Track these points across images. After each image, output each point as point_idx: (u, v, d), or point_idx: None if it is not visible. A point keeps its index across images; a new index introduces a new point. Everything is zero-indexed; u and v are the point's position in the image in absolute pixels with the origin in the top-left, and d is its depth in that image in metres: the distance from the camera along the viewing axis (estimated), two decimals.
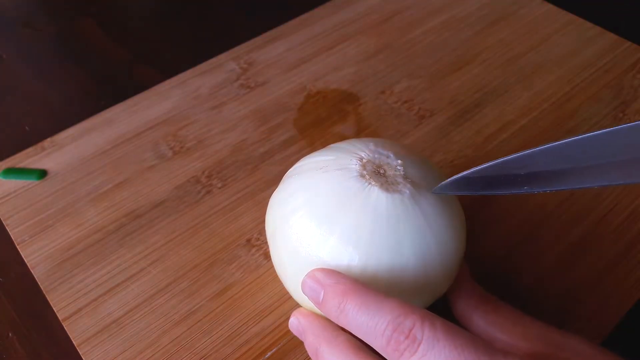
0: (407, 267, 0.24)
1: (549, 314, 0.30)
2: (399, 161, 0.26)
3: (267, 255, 0.33)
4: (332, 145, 0.28)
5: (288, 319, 0.30)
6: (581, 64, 0.44)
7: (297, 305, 0.31)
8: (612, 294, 0.31)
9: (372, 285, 0.23)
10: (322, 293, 0.23)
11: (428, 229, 0.24)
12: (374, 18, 0.49)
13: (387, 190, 0.24)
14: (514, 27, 0.48)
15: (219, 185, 0.37)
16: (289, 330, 0.30)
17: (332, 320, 0.23)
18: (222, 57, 0.46)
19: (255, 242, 0.34)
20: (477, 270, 0.32)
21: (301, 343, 0.29)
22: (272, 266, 0.32)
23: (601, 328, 0.30)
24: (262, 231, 0.34)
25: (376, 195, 0.24)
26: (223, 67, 0.45)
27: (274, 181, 0.37)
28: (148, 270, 0.32)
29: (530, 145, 0.38)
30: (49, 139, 0.40)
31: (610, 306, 0.31)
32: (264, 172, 0.37)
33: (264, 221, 0.34)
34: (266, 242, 0.33)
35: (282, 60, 0.45)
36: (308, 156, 0.28)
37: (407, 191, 0.24)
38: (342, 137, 0.39)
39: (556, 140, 0.22)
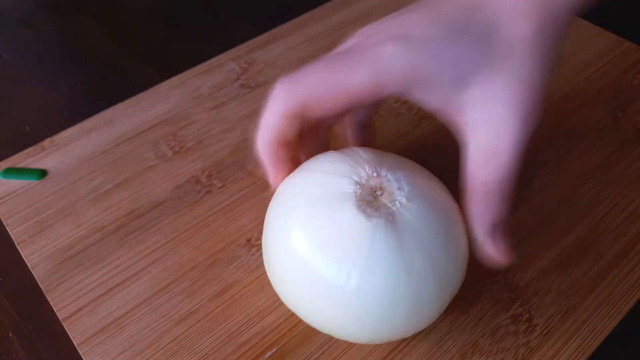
0: (399, 296, 0.24)
1: (548, 314, 0.30)
2: (395, 182, 0.25)
3: None
4: (332, 154, 0.27)
5: (288, 319, 0.30)
6: (581, 64, 0.44)
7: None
8: (612, 293, 0.31)
9: (366, 308, 0.24)
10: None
11: (403, 266, 0.24)
12: (374, 18, 0.48)
13: (374, 219, 0.24)
14: None
15: (219, 185, 0.37)
16: (289, 330, 0.30)
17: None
18: (222, 57, 0.46)
19: (255, 242, 0.34)
20: (477, 270, 0.32)
21: (301, 343, 0.29)
22: None
23: (601, 328, 0.30)
24: (262, 231, 0.34)
25: (367, 228, 0.24)
26: (223, 67, 0.45)
27: None
28: (148, 270, 0.32)
29: (530, 145, 0.38)
30: (49, 139, 0.40)
31: (610, 306, 0.31)
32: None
33: (263, 221, 0.34)
34: None
35: (282, 60, 0.45)
36: (307, 165, 0.27)
37: (396, 220, 0.24)
38: (342, 137, 0.39)
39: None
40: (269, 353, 0.29)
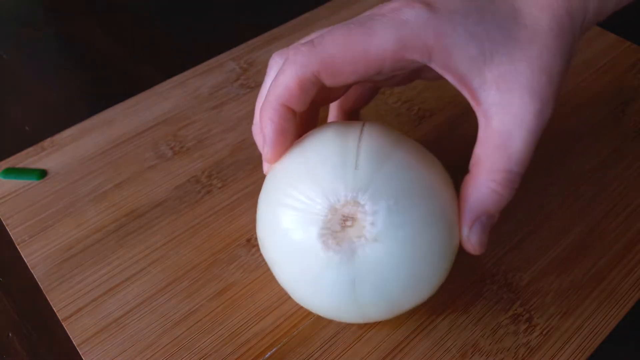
0: (369, 313, 0.26)
1: (548, 314, 0.30)
2: (370, 216, 0.23)
3: None
4: (330, 141, 0.26)
5: (288, 319, 0.30)
6: (581, 64, 0.44)
7: (297, 307, 0.31)
8: (612, 293, 0.31)
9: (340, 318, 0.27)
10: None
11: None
12: None
13: (330, 252, 0.23)
14: None
15: (219, 185, 0.37)
16: (289, 330, 0.30)
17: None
18: (222, 57, 0.46)
19: (255, 242, 0.34)
20: (477, 270, 0.32)
21: (301, 343, 0.29)
22: None
23: (601, 328, 0.30)
24: None
25: (319, 259, 0.24)
26: (223, 67, 0.45)
27: None
28: (148, 270, 0.32)
29: None
30: (49, 139, 0.40)
31: (610, 306, 0.31)
32: None
33: None
34: None
35: None
36: (300, 152, 0.26)
37: (355, 258, 0.23)
38: None
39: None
40: (269, 353, 0.29)
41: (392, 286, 0.24)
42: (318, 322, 0.30)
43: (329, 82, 0.24)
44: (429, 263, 0.24)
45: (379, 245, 0.23)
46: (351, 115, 0.32)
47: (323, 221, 0.23)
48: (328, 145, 0.25)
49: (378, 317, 0.27)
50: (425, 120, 0.40)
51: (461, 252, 0.32)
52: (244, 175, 0.37)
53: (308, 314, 0.30)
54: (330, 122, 0.28)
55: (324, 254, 0.23)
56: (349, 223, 0.23)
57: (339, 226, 0.23)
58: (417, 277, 0.24)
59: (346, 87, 0.30)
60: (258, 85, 0.43)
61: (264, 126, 0.25)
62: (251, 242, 0.34)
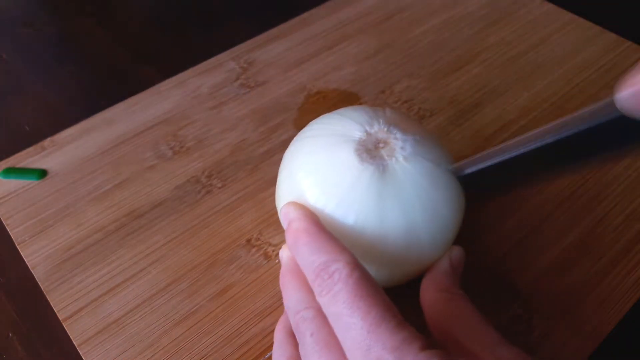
0: (367, 237, 0.26)
1: (548, 314, 0.30)
2: (401, 141, 0.26)
3: (267, 255, 0.33)
4: (365, 107, 0.29)
5: None
6: (581, 64, 0.44)
7: None
8: (612, 293, 0.31)
9: (360, 245, 0.25)
10: (287, 224, 0.25)
11: (416, 202, 0.26)
12: (374, 18, 0.49)
13: (364, 164, 0.26)
14: (514, 27, 0.48)
15: (219, 185, 0.37)
16: None
17: (289, 248, 0.25)
18: (222, 56, 0.46)
19: (255, 242, 0.34)
20: (478, 270, 0.32)
21: None
22: (272, 266, 0.32)
23: (601, 328, 0.30)
24: (262, 231, 0.34)
25: (354, 170, 0.26)
26: (223, 66, 0.45)
27: (274, 181, 0.36)
28: (148, 271, 0.33)
29: None
30: (49, 139, 0.40)
31: (610, 306, 0.31)
32: (264, 172, 0.37)
33: (264, 221, 0.34)
34: (266, 242, 0.34)
35: (282, 60, 0.45)
36: (326, 115, 0.30)
37: (385, 173, 0.26)
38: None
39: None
40: (269, 353, 0.29)
41: (412, 210, 0.25)
42: None
43: None
44: (443, 200, 0.26)
45: (407, 165, 0.26)
46: None
47: (358, 142, 0.26)
48: (361, 107, 0.29)
49: (396, 251, 0.26)
50: (425, 120, 0.40)
51: None
52: (244, 175, 0.37)
53: None
54: None
55: (359, 165, 0.26)
56: (381, 145, 0.27)
57: (372, 146, 0.26)
58: (434, 208, 0.26)
59: None
60: (258, 84, 0.43)
61: None
62: (251, 243, 0.34)
